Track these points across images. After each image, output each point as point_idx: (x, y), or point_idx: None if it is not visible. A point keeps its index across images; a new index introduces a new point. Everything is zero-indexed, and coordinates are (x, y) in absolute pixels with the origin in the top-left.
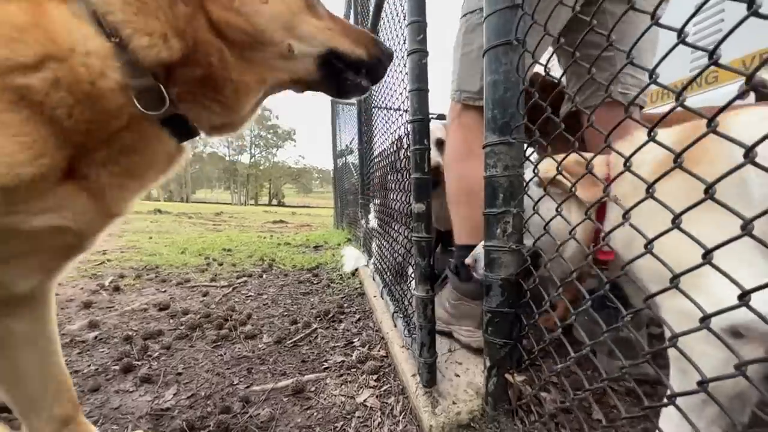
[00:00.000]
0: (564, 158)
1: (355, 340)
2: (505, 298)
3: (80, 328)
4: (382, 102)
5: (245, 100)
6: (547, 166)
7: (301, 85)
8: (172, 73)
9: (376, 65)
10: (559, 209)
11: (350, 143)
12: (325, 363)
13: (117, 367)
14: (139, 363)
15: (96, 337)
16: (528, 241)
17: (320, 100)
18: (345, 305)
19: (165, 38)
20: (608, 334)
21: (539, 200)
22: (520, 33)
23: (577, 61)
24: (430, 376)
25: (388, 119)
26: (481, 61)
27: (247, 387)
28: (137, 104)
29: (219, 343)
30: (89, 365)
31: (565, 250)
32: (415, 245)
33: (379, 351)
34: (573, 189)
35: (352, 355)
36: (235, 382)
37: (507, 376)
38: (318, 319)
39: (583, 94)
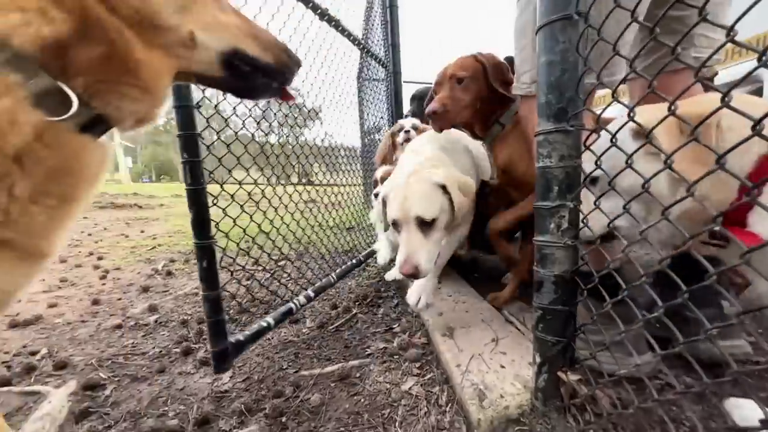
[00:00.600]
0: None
1: (395, 326)
2: (558, 296)
3: (141, 312)
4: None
5: (162, 81)
6: (649, 114)
7: (206, 81)
8: (68, 57)
9: (284, 73)
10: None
11: (377, 122)
12: (367, 349)
13: (178, 350)
14: (196, 346)
15: (156, 321)
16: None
17: (344, 76)
18: (382, 289)
19: (42, 12)
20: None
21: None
22: (583, 5)
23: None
24: (217, 364)
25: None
26: None
27: (296, 372)
28: (39, 111)
29: None
30: (153, 347)
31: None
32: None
33: (420, 338)
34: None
35: (393, 342)
36: (284, 367)
37: (560, 374)
38: (357, 303)
39: (647, 60)
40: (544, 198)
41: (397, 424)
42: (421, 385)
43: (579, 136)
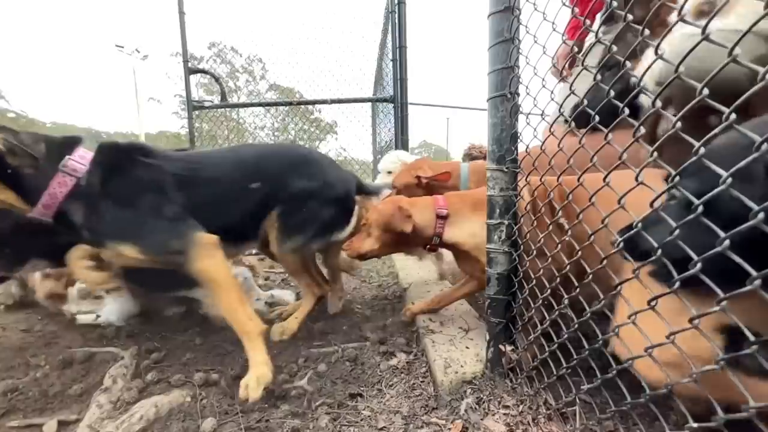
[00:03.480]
0: None
1: (387, 321)
2: (500, 288)
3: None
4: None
5: None
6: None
7: None
8: None
9: None
10: None
11: (389, 140)
12: (364, 335)
13: (211, 329)
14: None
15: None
16: None
17: (359, 92)
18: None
19: None
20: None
21: None
22: (513, 87)
23: None
24: None
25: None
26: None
27: (308, 348)
28: None
29: None
30: (190, 326)
31: None
32: None
33: (408, 328)
34: None
35: (386, 330)
36: (298, 344)
37: (500, 347)
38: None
39: None
40: (490, 217)
41: (383, 383)
42: (406, 361)
43: (513, 175)
